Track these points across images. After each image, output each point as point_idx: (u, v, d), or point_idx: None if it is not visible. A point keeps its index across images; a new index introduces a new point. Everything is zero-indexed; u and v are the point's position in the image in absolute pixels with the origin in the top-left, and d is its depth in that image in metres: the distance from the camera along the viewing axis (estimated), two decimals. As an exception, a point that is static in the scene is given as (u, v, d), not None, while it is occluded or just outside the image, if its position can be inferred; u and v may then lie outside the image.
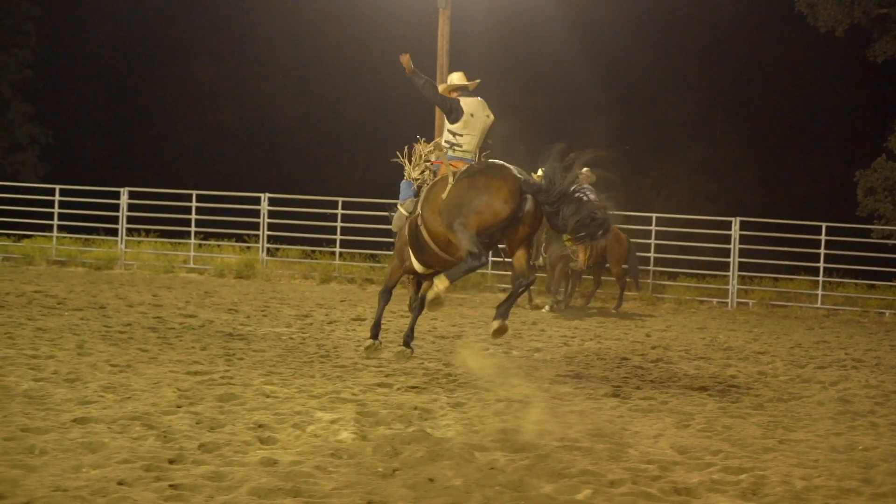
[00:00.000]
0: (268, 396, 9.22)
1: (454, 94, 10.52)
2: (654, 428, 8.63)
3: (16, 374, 9.59)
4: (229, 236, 25.06)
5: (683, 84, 34.63)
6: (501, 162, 9.93)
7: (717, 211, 23.16)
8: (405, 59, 10.68)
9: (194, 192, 24.46)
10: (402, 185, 11.12)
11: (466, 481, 6.59)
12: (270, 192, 24.17)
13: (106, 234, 25.46)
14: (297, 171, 34.78)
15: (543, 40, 33.48)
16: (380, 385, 10.18)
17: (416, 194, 10.81)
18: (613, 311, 18.84)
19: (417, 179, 10.91)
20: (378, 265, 23.57)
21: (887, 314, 20.98)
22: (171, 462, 6.83)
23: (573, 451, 7.51)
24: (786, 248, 21.98)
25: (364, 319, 16.29)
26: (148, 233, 25.29)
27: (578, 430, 8.26)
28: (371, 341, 11.44)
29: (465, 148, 10.37)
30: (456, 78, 10.67)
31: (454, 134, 10.38)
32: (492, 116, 10.46)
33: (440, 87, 10.68)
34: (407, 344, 11.37)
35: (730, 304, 21.78)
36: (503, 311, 9.78)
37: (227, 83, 40.73)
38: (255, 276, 23.29)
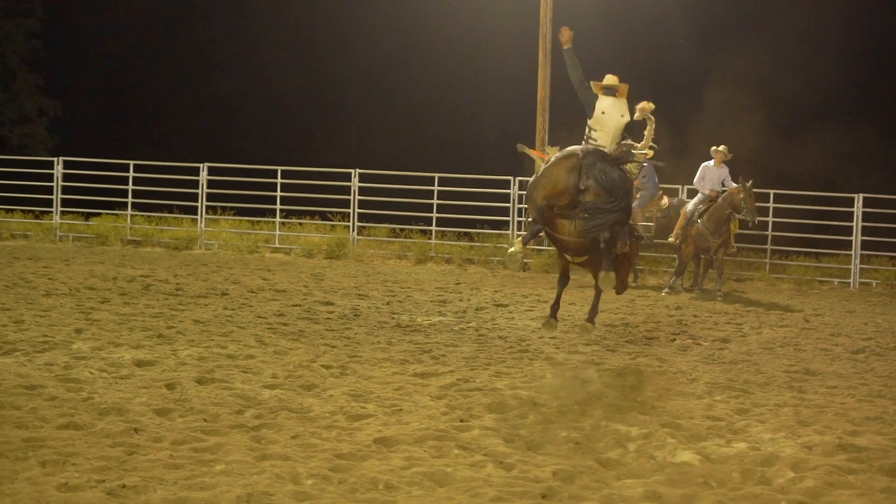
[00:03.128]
0: (540, 406, 8.17)
1: (600, 91, 10.66)
2: None
3: (241, 381, 8.56)
4: (311, 214, 23.87)
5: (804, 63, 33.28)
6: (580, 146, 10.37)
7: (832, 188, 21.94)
8: (566, 32, 10.88)
9: (279, 168, 23.25)
10: None
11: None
12: (360, 168, 22.96)
13: (180, 213, 24.19)
14: (381, 147, 33.45)
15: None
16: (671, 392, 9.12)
17: None
18: (719, 294, 17.76)
19: None
20: (476, 244, 22.44)
21: None
22: (543, 497, 5.80)
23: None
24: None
25: (506, 305, 15.30)
26: (225, 210, 24.05)
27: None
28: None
29: (599, 143, 10.53)
30: (607, 79, 10.72)
31: (590, 129, 10.63)
32: (627, 117, 10.56)
33: (594, 84, 10.69)
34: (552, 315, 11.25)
35: (852, 285, 20.76)
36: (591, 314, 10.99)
37: (288, 46, 39.00)
38: (345, 256, 22.14)
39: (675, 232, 18.05)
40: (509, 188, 22.09)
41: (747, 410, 8.42)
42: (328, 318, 12.96)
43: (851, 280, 20.82)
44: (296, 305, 14.13)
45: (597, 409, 8.20)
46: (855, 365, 11.27)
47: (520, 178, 21.60)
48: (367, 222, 23.59)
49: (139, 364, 9.16)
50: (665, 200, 19.18)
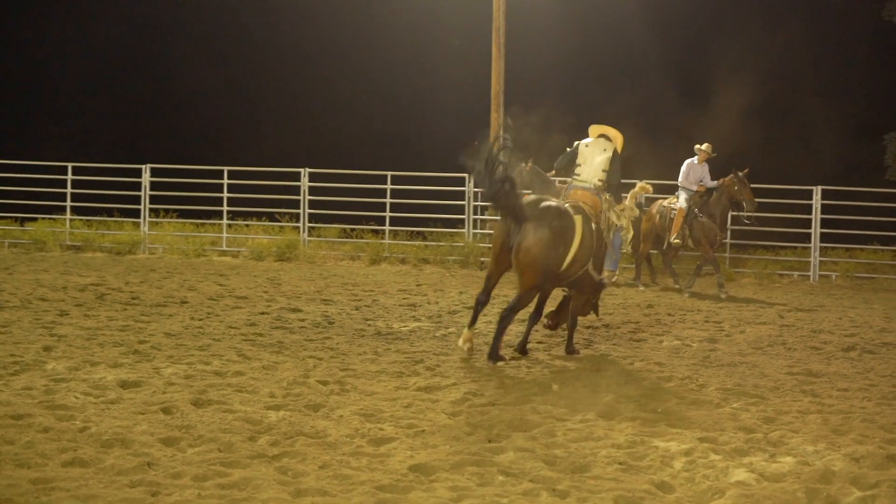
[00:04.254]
0: (566, 422, 7.73)
1: (595, 134, 11.33)
2: None
3: (239, 402, 7.99)
4: (259, 215, 23.16)
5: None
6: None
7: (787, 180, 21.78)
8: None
9: (225, 168, 22.50)
10: None
11: None
12: (310, 167, 22.31)
13: (120, 216, 23.30)
14: (331, 145, 32.53)
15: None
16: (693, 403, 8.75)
17: None
18: (722, 292, 17.58)
19: None
20: (432, 244, 21.95)
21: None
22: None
23: None
24: (864, 218, 20.94)
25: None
26: (168, 213, 23.24)
27: None
28: None
29: (582, 177, 11.00)
30: (603, 129, 11.29)
31: (577, 165, 11.11)
32: (608, 151, 10.97)
33: (592, 128, 11.33)
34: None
35: (812, 278, 20.70)
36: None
37: (229, 41, 37.76)
38: (296, 258, 21.51)
39: (674, 231, 17.80)
40: (464, 185, 21.64)
41: (773, 419, 8.08)
42: (302, 328, 12.40)
43: (811, 273, 20.77)
44: (263, 313, 13.53)
45: (622, 422, 7.79)
46: (854, 364, 11.05)
47: (475, 175, 21.12)
48: (317, 223, 22.96)
49: (124, 385, 8.52)
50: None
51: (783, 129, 27.47)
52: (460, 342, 10.52)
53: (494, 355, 10.17)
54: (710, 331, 13.40)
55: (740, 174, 17.45)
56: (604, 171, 10.89)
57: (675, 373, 10.14)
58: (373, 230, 22.70)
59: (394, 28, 33.25)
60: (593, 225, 10.55)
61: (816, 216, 20.57)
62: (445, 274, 20.11)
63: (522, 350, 10.87)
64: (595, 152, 10.96)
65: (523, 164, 19.00)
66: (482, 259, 21.13)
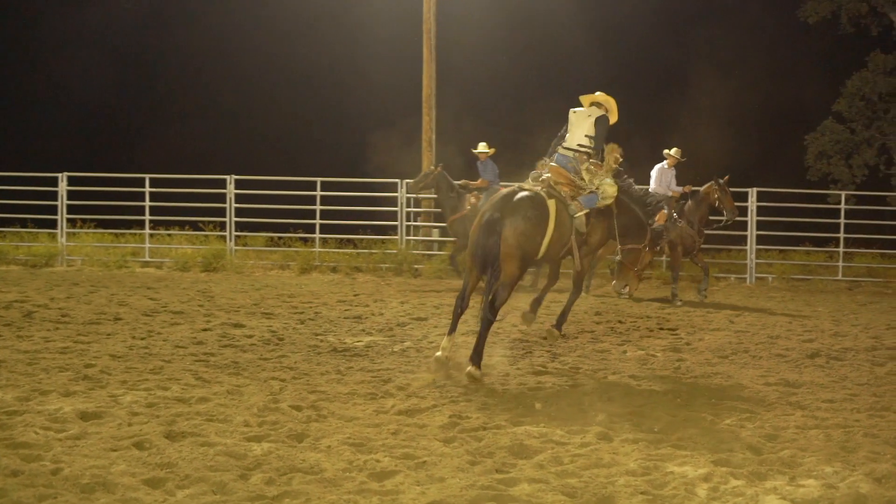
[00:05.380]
0: (575, 446, 7.34)
1: (587, 103, 11.05)
2: None
3: (215, 433, 7.43)
4: (182, 224, 22.34)
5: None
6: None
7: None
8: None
9: (147, 176, 21.64)
10: None
11: None
12: (236, 174, 21.58)
13: (36, 227, 22.27)
14: (257, 151, 31.55)
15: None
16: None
17: None
18: (704, 294, 17.44)
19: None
20: (364, 251, 21.42)
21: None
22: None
23: None
24: (796, 219, 21.03)
25: (426, 318, 14.47)
26: (86, 223, 22.28)
27: None
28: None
29: (566, 143, 10.87)
30: (597, 96, 11.05)
31: (564, 133, 11.02)
32: (593, 116, 10.79)
33: (584, 98, 11.06)
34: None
35: (748, 280, 20.68)
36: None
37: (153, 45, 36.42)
38: (223, 268, 20.80)
39: None
40: (396, 191, 21.14)
41: (775, 436, 7.79)
42: (253, 345, 11.80)
43: (748, 275, 20.74)
44: (206, 330, 12.88)
45: (624, 445, 7.41)
46: (826, 372, 10.88)
47: (407, 180, 20.69)
48: (243, 231, 22.23)
49: (84, 417, 7.85)
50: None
51: (707, 130, 27.59)
52: (438, 353, 10.14)
53: (477, 358, 9.81)
54: (668, 339, 13.19)
55: (721, 181, 17.30)
56: (586, 136, 10.73)
57: (654, 386, 9.83)
58: (301, 238, 22.06)
59: (323, 30, 32.57)
60: (570, 204, 10.51)
61: (752, 218, 20.55)
62: (380, 283, 19.60)
63: (535, 307, 11.40)
64: (581, 117, 10.81)
65: (432, 168, 18.72)
66: (416, 266, 20.69)
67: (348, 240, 21.98)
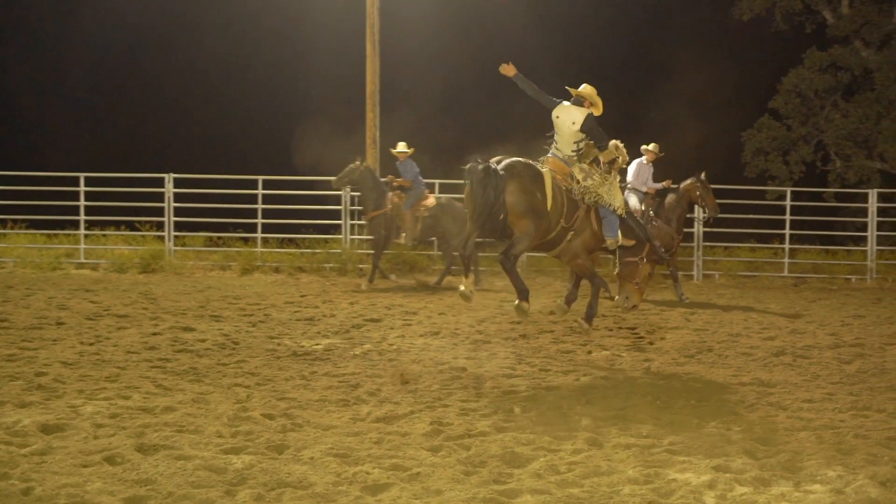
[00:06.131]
0: (560, 451, 7.07)
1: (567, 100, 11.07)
2: None
3: (189, 445, 7.02)
4: (117, 224, 21.67)
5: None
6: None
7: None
8: (508, 69, 11.12)
9: (82, 175, 20.95)
10: None
11: None
12: (174, 173, 20.97)
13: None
14: (196, 149, 30.68)
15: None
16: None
17: None
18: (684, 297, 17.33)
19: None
20: (307, 251, 20.98)
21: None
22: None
23: None
24: (741, 216, 21.06)
25: (379, 320, 14.12)
26: (17, 223, 21.52)
27: None
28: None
29: (558, 146, 10.99)
30: (577, 89, 11.08)
31: (553, 134, 11.07)
32: (577, 124, 10.80)
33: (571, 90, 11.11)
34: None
35: (696, 277, 20.64)
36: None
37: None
38: (162, 269, 20.21)
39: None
40: (340, 190, 20.71)
41: (767, 439, 7.62)
42: (208, 350, 11.36)
43: (695, 272, 20.70)
44: (155, 334, 12.39)
45: (617, 451, 7.17)
46: (796, 371, 10.76)
47: (351, 178, 20.27)
48: (182, 231, 21.64)
49: (46, 430, 7.40)
50: (431, 200, 18.50)
51: (648, 127, 27.61)
52: (462, 287, 10.53)
53: (523, 293, 10.65)
54: (630, 338, 13.03)
55: (702, 178, 17.17)
56: (575, 142, 10.91)
57: (630, 389, 9.62)
58: (242, 238, 21.55)
59: (263, 25, 31.98)
60: (563, 186, 10.75)
61: (698, 215, 20.47)
62: (325, 283, 19.16)
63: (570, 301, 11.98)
64: (566, 121, 10.89)
65: (358, 163, 18.39)
66: (360, 266, 20.32)
67: (290, 239, 21.50)
